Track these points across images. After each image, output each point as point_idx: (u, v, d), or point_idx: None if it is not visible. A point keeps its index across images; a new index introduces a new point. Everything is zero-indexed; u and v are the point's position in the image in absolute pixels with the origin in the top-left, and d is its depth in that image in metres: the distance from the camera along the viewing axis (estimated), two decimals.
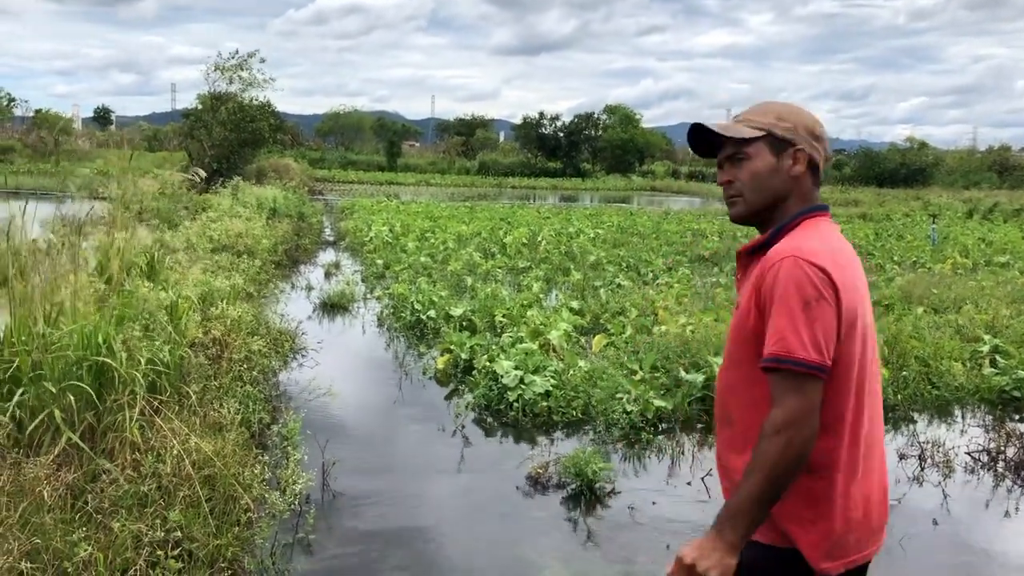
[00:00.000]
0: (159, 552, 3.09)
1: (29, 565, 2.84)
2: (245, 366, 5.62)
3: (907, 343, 6.80)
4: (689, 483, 4.71)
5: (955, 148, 61.47)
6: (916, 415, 6.13)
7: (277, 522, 3.82)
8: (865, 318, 1.77)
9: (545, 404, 5.73)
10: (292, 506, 3.91)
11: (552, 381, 5.90)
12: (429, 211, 22.25)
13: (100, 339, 3.94)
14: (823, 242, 1.74)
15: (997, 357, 7.00)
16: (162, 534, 3.17)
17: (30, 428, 3.59)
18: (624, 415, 5.50)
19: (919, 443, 5.31)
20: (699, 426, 5.64)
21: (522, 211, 24.55)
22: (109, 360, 3.90)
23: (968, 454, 5.25)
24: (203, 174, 12.67)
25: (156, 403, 4.03)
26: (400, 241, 14.61)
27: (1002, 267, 13.41)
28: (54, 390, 3.68)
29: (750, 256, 1.88)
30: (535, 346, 6.69)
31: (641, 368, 6.23)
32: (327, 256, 14.48)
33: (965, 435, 5.69)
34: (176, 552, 3.16)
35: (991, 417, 6.11)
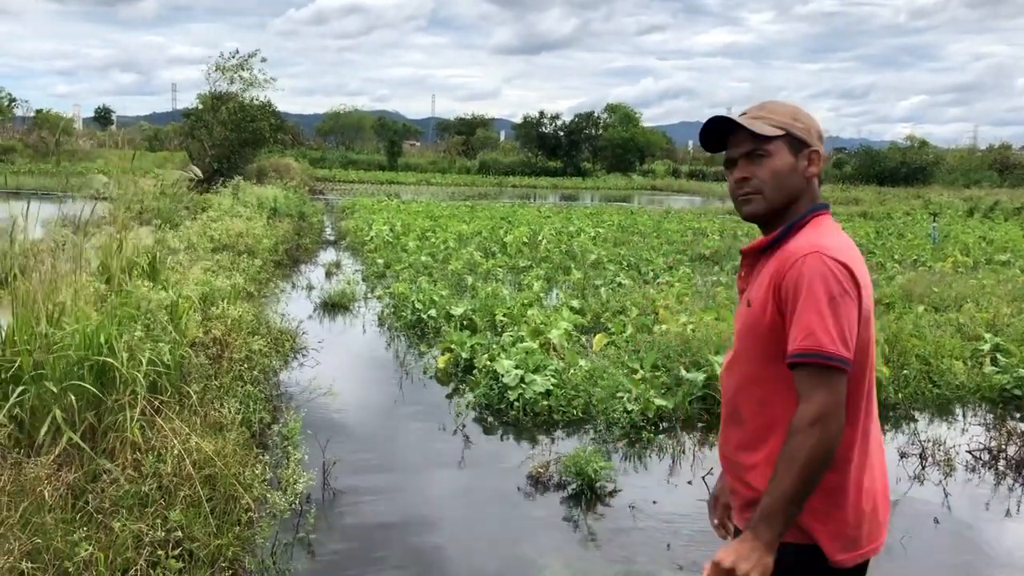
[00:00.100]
0: (160, 552, 3.10)
1: (30, 565, 2.84)
2: (246, 366, 5.62)
3: (908, 341, 6.80)
4: (690, 482, 4.71)
5: (956, 146, 61.52)
6: (917, 413, 6.13)
7: (278, 522, 3.82)
8: (871, 312, 1.81)
9: (546, 403, 5.73)
10: (293, 505, 3.91)
11: (553, 380, 5.90)
12: (430, 210, 22.25)
13: (102, 339, 3.95)
14: (838, 239, 1.78)
15: (998, 355, 7.00)
16: (163, 534, 3.17)
17: (31, 428, 3.59)
18: (625, 414, 5.50)
19: (920, 442, 5.30)
20: (700, 425, 5.64)
21: (523, 210, 24.54)
22: (111, 360, 3.90)
23: (969, 452, 5.25)
24: (198, 172, 12.68)
25: (157, 403, 4.04)
26: (401, 240, 14.61)
27: (1003, 265, 13.40)
28: (55, 390, 3.68)
29: (759, 254, 1.88)
30: (536, 345, 6.69)
31: (642, 367, 6.23)
32: (328, 255, 14.49)
33: (966, 433, 5.68)
34: (177, 552, 3.16)
35: (992, 415, 6.11)
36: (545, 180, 53.37)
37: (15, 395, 3.64)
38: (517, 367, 5.99)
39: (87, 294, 4.61)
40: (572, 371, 6.19)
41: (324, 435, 4.90)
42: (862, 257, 1.83)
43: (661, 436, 5.37)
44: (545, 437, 5.42)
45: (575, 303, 8.84)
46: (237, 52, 26.19)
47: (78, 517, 3.21)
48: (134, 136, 52.96)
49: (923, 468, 5.02)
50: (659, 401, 5.62)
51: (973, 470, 5.05)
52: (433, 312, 8.30)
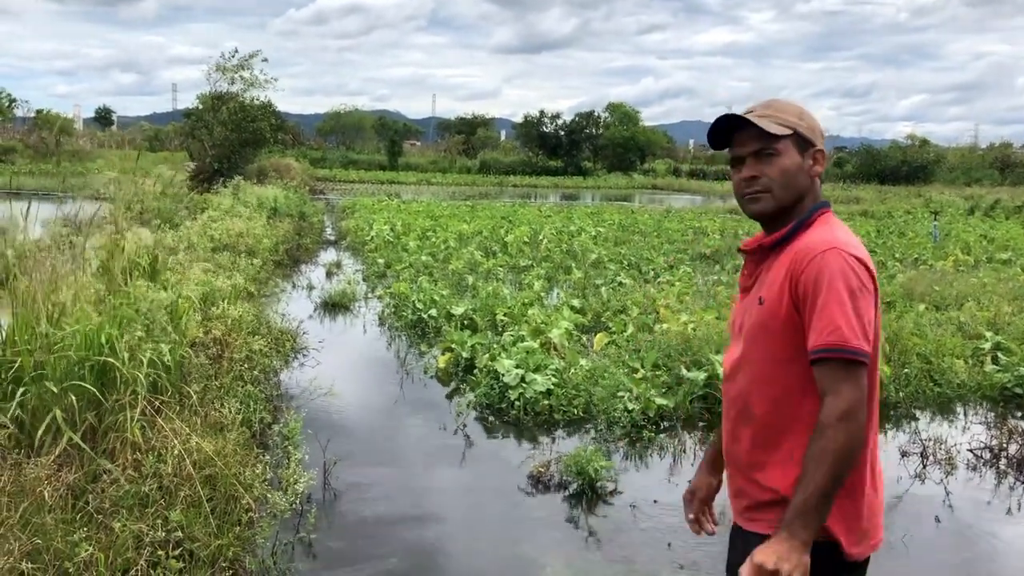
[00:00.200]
0: (160, 552, 3.09)
1: (30, 565, 2.84)
2: (246, 366, 5.62)
3: (909, 340, 6.79)
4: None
5: (956, 145, 61.51)
6: (918, 412, 6.12)
7: (278, 522, 3.81)
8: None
9: (546, 403, 5.73)
10: (293, 505, 3.91)
11: (553, 380, 5.90)
12: (430, 210, 22.25)
13: (103, 339, 3.94)
14: (849, 236, 1.80)
15: (999, 354, 6.99)
16: (163, 534, 3.17)
17: (32, 428, 3.59)
18: (625, 413, 5.49)
19: (921, 440, 5.30)
20: (701, 424, 5.64)
21: (523, 210, 24.54)
22: (112, 360, 3.90)
23: (970, 451, 5.25)
24: (191, 165, 12.70)
25: (157, 403, 4.03)
26: (401, 240, 14.61)
27: (1004, 264, 13.39)
28: (56, 390, 3.68)
29: (768, 251, 1.88)
30: (536, 345, 6.69)
31: (643, 366, 6.23)
32: (328, 255, 14.49)
33: (967, 432, 5.68)
34: (177, 552, 3.16)
35: (993, 414, 6.10)
36: (546, 179, 53.36)
37: (18, 396, 3.64)
38: (518, 366, 5.98)
39: (87, 294, 4.60)
40: (573, 370, 6.18)
41: (325, 435, 4.90)
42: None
43: (662, 435, 5.37)
44: (546, 436, 5.42)
45: (576, 302, 8.84)
46: (236, 51, 26.20)
47: (78, 517, 3.20)
48: (135, 136, 52.98)
49: (924, 467, 5.01)
50: (660, 400, 5.61)
51: (974, 469, 5.04)
52: (434, 312, 8.30)
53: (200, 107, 28.16)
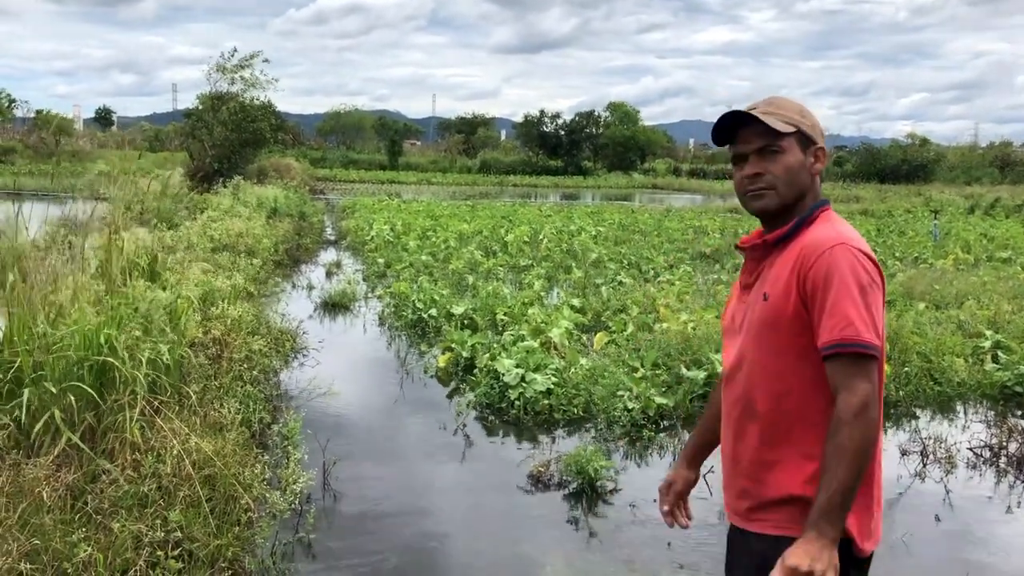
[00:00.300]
0: (159, 552, 3.09)
1: (29, 566, 2.84)
2: (245, 366, 5.62)
3: (909, 339, 6.78)
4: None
5: (956, 144, 61.55)
6: (918, 411, 6.11)
7: (278, 522, 3.81)
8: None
9: (546, 402, 5.72)
10: (292, 506, 3.91)
11: (553, 379, 5.89)
12: (430, 210, 22.25)
13: (102, 339, 3.94)
14: (854, 232, 1.80)
15: (999, 353, 6.99)
16: (162, 534, 3.17)
17: (31, 429, 3.59)
18: (625, 413, 5.49)
19: (921, 439, 5.29)
20: None
21: (523, 209, 24.54)
22: (112, 360, 3.90)
23: (970, 450, 5.24)
24: (181, 171, 12.68)
25: (156, 403, 4.03)
26: (401, 240, 14.61)
27: (1004, 262, 13.39)
28: (54, 390, 3.67)
29: (771, 247, 1.87)
30: (536, 344, 6.68)
31: (642, 365, 6.22)
32: (328, 255, 14.48)
33: (967, 431, 5.67)
34: (176, 552, 3.16)
35: (993, 413, 6.10)
36: (546, 179, 53.35)
37: (18, 397, 3.64)
38: (518, 366, 5.98)
39: (86, 295, 4.60)
40: (573, 370, 6.18)
41: (324, 435, 4.90)
42: None
43: (662, 434, 5.36)
44: (546, 436, 5.42)
45: (576, 302, 8.83)
46: (235, 51, 26.19)
47: (77, 518, 3.20)
48: (135, 137, 52.96)
49: (924, 465, 5.01)
50: (660, 399, 5.61)
51: (974, 467, 5.04)
52: (434, 311, 8.29)
53: (200, 107, 28.14)
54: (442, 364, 6.86)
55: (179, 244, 9.96)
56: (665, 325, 7.26)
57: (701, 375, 5.86)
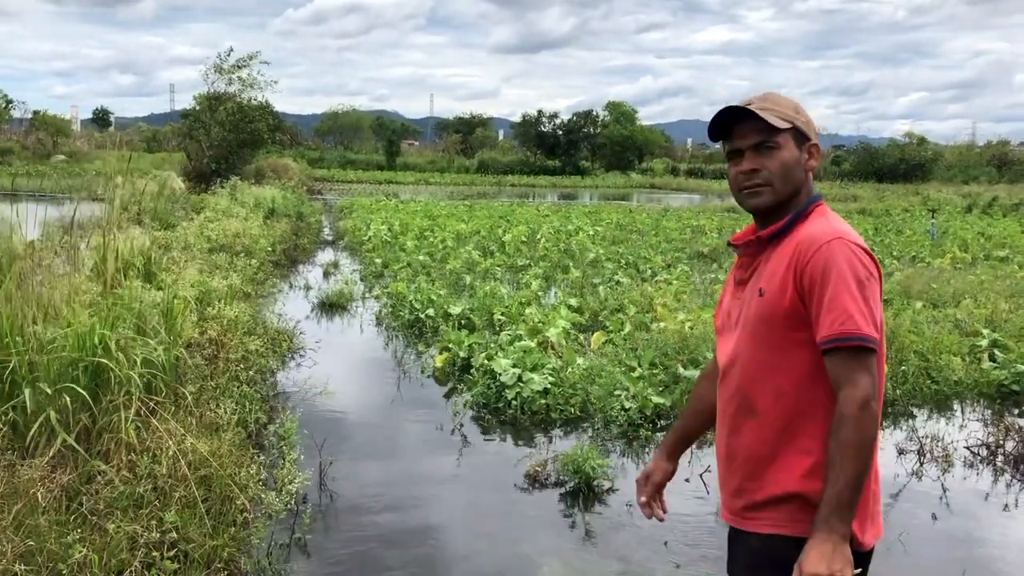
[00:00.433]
0: (154, 553, 3.08)
1: (23, 567, 2.83)
2: (242, 366, 5.61)
3: (906, 338, 6.79)
4: (687, 479, 4.69)
5: (954, 143, 61.63)
6: (915, 410, 6.12)
7: (273, 522, 3.80)
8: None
9: (543, 402, 5.72)
10: (288, 506, 3.90)
11: (550, 379, 5.89)
12: (428, 210, 22.24)
13: (96, 340, 3.93)
14: (849, 227, 1.81)
15: (996, 351, 7.00)
16: (158, 535, 3.16)
17: (25, 430, 3.58)
18: (622, 412, 5.49)
19: (918, 438, 5.29)
20: None
21: (521, 209, 24.53)
22: (106, 361, 3.89)
23: (967, 448, 5.24)
24: (181, 185, 12.67)
25: (152, 404, 4.02)
26: (399, 240, 14.60)
27: (1001, 261, 13.40)
28: (49, 391, 3.66)
29: (766, 243, 1.87)
30: (533, 344, 6.68)
31: (639, 365, 6.22)
32: (326, 255, 14.47)
33: (964, 429, 5.68)
34: (172, 553, 3.15)
35: (990, 411, 6.10)
36: (544, 179, 53.33)
37: (14, 399, 3.63)
38: (515, 366, 5.97)
39: (81, 295, 4.59)
40: (570, 369, 6.17)
41: (321, 435, 4.89)
42: None
43: (659, 434, 5.36)
44: (543, 435, 5.41)
45: (573, 301, 8.83)
46: (231, 51, 26.17)
47: (72, 519, 3.19)
48: (132, 137, 52.89)
49: (921, 464, 5.01)
50: (657, 399, 5.61)
51: (971, 466, 5.04)
52: (431, 311, 8.29)
53: (197, 108, 28.13)
54: (439, 364, 6.85)
55: (176, 244, 9.94)
56: (662, 324, 7.26)
57: (698, 374, 5.85)
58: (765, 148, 1.84)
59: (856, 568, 1.65)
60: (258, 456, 4.36)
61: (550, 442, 5.28)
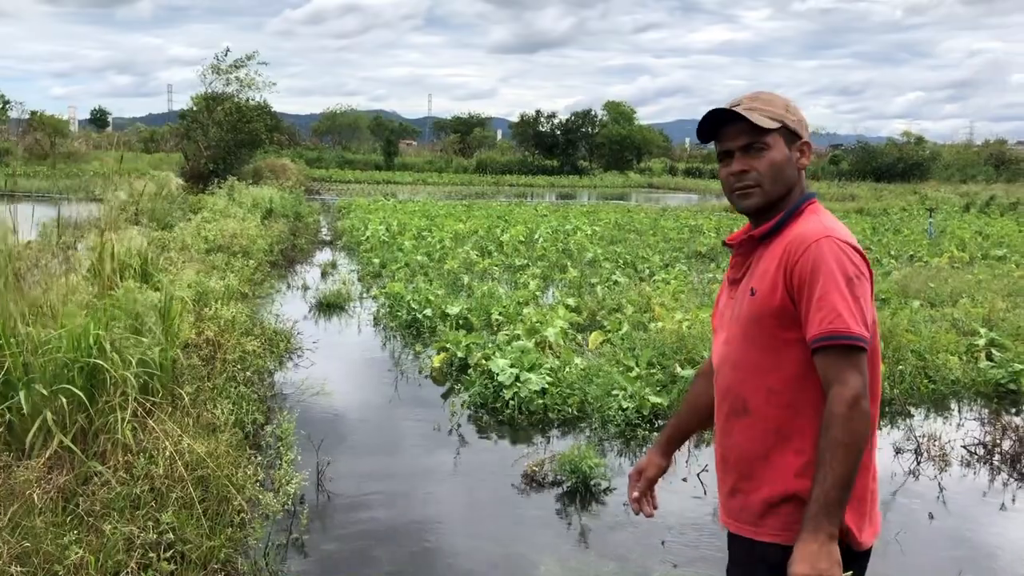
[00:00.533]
0: (151, 554, 3.08)
1: (19, 569, 2.83)
2: (239, 367, 5.61)
3: (903, 337, 6.79)
4: (685, 479, 4.70)
5: (952, 142, 61.61)
6: (912, 409, 6.12)
7: (271, 523, 3.80)
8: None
9: (541, 402, 5.72)
10: (286, 506, 3.90)
11: (548, 379, 5.89)
12: (426, 210, 22.23)
13: (91, 341, 3.92)
14: (840, 225, 1.80)
15: (993, 350, 7.01)
16: (154, 536, 3.16)
17: (21, 431, 3.57)
18: (620, 412, 5.49)
19: (915, 437, 5.30)
20: None
21: (519, 209, 24.52)
22: (100, 362, 3.88)
23: (964, 447, 5.25)
24: (176, 180, 12.66)
25: (148, 405, 4.02)
26: (397, 240, 14.59)
27: (999, 260, 13.42)
28: (45, 392, 3.66)
29: (757, 243, 1.87)
30: (531, 344, 6.68)
31: (637, 365, 6.22)
32: (323, 256, 14.46)
33: (961, 428, 5.68)
34: (168, 554, 3.15)
35: (987, 410, 6.10)
36: (542, 179, 53.31)
37: (10, 400, 3.62)
38: (512, 366, 5.97)
39: (77, 296, 4.58)
40: (567, 369, 6.17)
41: (318, 435, 4.89)
42: None
43: (656, 434, 5.36)
44: (540, 435, 5.41)
45: (571, 301, 8.83)
46: (227, 51, 26.17)
47: (68, 520, 3.19)
48: (130, 138, 52.85)
49: (918, 463, 5.01)
50: (654, 398, 5.61)
51: (968, 465, 5.04)
52: (429, 311, 8.29)
53: (194, 108, 28.13)
54: (437, 364, 6.85)
55: (173, 245, 9.93)
56: (660, 324, 7.27)
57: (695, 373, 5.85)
58: (754, 149, 1.83)
59: (849, 569, 1.65)
60: (255, 457, 4.35)
61: (547, 442, 5.28)
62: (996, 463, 5.05)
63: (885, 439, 5.36)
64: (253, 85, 26.85)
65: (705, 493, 4.50)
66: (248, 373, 5.66)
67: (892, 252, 14.52)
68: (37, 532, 3.01)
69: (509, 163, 58.61)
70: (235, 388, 5.18)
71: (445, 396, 6.28)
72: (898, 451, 5.16)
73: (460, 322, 7.99)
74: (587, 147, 62.78)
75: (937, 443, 5.18)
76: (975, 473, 4.93)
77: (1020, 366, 6.53)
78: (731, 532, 1.90)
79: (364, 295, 10.26)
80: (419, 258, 12.26)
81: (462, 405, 5.82)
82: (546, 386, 5.81)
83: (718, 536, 2.01)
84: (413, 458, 5.08)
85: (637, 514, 2.14)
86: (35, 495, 3.15)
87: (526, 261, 12.72)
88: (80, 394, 3.70)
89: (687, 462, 4.96)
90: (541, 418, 5.66)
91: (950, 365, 6.57)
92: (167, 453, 3.61)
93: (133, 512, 3.29)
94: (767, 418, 1.79)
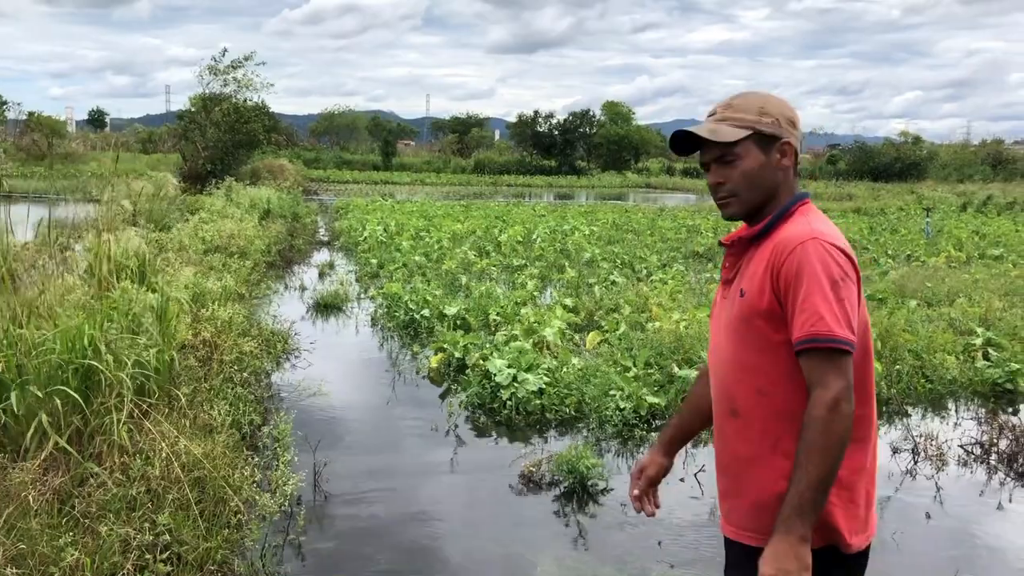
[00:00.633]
0: (147, 556, 3.08)
1: (15, 571, 2.82)
2: (236, 367, 5.60)
3: (900, 336, 6.80)
4: (682, 479, 4.70)
5: (949, 142, 61.75)
6: (909, 408, 6.12)
7: (267, 524, 3.80)
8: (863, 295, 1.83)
9: (538, 402, 5.72)
10: (283, 507, 3.89)
11: (545, 379, 5.89)
12: (424, 210, 22.23)
13: (85, 341, 3.92)
14: (829, 226, 1.79)
15: (990, 350, 7.01)
16: (151, 537, 3.15)
17: (16, 432, 3.57)
18: (617, 412, 5.49)
19: (912, 436, 5.30)
20: None
21: (517, 209, 24.53)
22: (95, 363, 3.88)
23: (961, 447, 5.25)
24: (174, 181, 12.64)
25: (145, 406, 4.01)
26: (394, 240, 14.58)
27: (995, 260, 13.44)
28: (40, 394, 3.65)
29: (748, 244, 1.87)
30: (528, 344, 6.68)
31: (635, 365, 6.22)
32: (321, 256, 14.45)
33: (958, 428, 5.69)
34: (165, 556, 3.15)
35: (984, 410, 6.11)
36: (540, 179, 53.33)
37: (4, 402, 3.61)
38: (510, 366, 5.97)
39: (73, 296, 4.58)
40: (565, 369, 6.17)
41: (316, 436, 4.88)
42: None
43: (654, 433, 5.36)
44: (537, 436, 5.41)
45: (569, 301, 8.83)
46: (225, 52, 26.16)
47: (64, 522, 3.18)
48: (128, 139, 52.78)
49: (915, 463, 5.02)
50: (651, 399, 5.61)
51: (965, 464, 5.05)
52: (426, 312, 8.28)
53: (192, 109, 28.12)
54: (434, 364, 6.85)
55: (170, 246, 9.92)
56: (657, 324, 7.27)
57: (693, 374, 5.86)
58: (725, 161, 1.84)
59: (835, 570, 1.64)
60: (252, 458, 4.35)
61: (545, 442, 5.28)
62: (993, 462, 5.05)
63: (882, 439, 5.36)
64: (250, 86, 26.86)
65: (703, 493, 4.50)
66: (245, 374, 5.65)
67: (889, 252, 14.53)
68: (33, 534, 3.00)
69: (507, 163, 58.60)
70: (232, 389, 5.17)
71: (442, 396, 6.28)
72: (895, 451, 5.17)
73: (458, 322, 7.99)
74: (585, 147, 62.80)
75: (934, 442, 5.19)
76: (972, 472, 4.94)
77: (1017, 365, 6.54)
78: (726, 535, 1.90)
79: (362, 295, 10.26)
80: (417, 258, 12.25)
81: (459, 405, 5.82)
82: (543, 386, 5.81)
83: (716, 537, 2.01)
84: (410, 458, 5.08)
85: (638, 512, 2.13)
86: (30, 497, 3.15)
87: (524, 261, 12.72)
88: (75, 395, 3.69)
89: (684, 463, 4.96)
90: (538, 418, 5.66)
91: (947, 365, 6.58)
92: (163, 454, 3.60)
93: (129, 514, 3.28)
94: (756, 420, 1.79)
